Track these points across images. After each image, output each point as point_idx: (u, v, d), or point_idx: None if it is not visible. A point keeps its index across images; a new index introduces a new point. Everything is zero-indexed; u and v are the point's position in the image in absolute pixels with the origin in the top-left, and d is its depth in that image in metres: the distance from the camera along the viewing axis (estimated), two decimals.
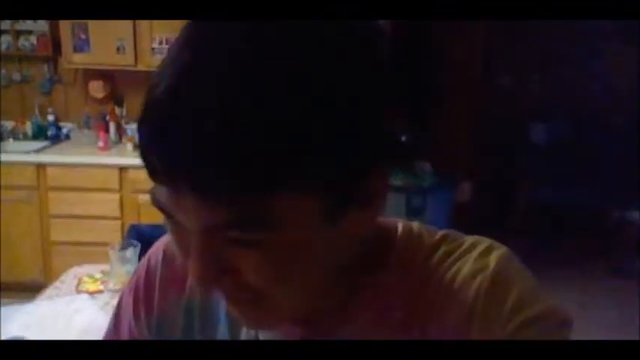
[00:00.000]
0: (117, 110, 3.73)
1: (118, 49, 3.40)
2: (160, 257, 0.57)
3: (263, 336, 0.52)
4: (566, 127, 4.76)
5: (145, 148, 0.37)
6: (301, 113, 0.36)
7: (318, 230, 0.40)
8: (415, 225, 0.51)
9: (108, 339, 0.61)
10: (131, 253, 1.80)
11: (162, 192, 0.38)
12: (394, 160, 0.43)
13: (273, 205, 0.36)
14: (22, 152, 3.40)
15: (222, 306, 0.53)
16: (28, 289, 2.34)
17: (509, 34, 4.26)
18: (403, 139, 3.91)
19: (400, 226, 0.51)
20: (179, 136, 0.35)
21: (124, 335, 0.58)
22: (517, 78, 4.79)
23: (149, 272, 0.57)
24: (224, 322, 0.53)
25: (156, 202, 0.40)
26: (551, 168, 4.63)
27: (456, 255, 0.48)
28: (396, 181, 3.65)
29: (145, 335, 0.57)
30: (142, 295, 0.57)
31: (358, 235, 0.44)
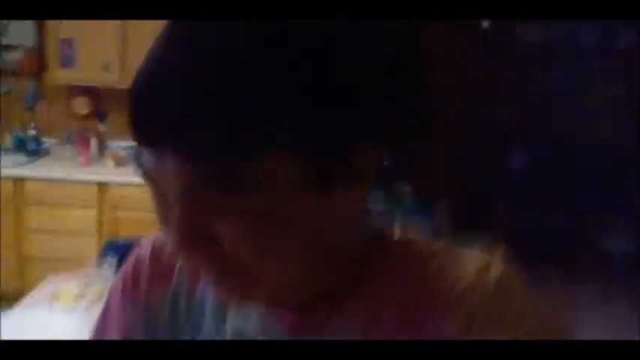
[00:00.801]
0: (100, 126, 3.73)
1: (104, 66, 3.42)
2: (150, 249, 0.57)
3: (251, 321, 0.51)
4: (543, 153, 4.84)
5: (131, 114, 0.39)
6: (282, 79, 0.36)
7: (300, 202, 0.39)
8: (412, 232, 0.51)
9: (96, 330, 0.61)
10: (107, 267, 1.81)
11: (147, 157, 0.39)
12: (384, 140, 0.43)
13: (252, 167, 0.37)
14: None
15: (208, 293, 0.53)
16: (4, 299, 2.32)
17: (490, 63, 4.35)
18: (384, 163, 3.95)
19: (397, 231, 0.51)
20: (159, 100, 0.37)
21: (113, 326, 0.59)
22: (496, 105, 4.88)
23: (137, 262, 0.58)
24: (211, 305, 0.53)
25: (141, 168, 0.40)
26: (530, 191, 4.69)
27: (454, 267, 0.46)
28: (376, 202, 3.68)
29: (132, 324, 0.57)
30: (129, 285, 0.57)
31: (345, 217, 0.44)
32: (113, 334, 0.59)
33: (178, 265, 0.55)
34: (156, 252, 0.57)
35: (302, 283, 0.46)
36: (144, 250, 0.58)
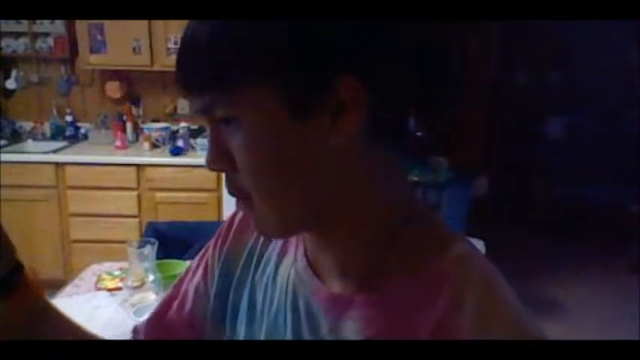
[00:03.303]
0: (133, 110, 3.77)
1: (134, 49, 3.43)
2: None
3: (293, 275, 0.57)
4: (584, 122, 4.69)
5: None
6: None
7: (285, 126, 0.45)
8: (477, 255, 0.49)
9: (194, 263, 0.70)
10: (149, 250, 1.82)
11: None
12: (364, 73, 0.44)
13: (239, 90, 0.45)
14: (40, 152, 3.45)
15: (275, 249, 0.62)
16: (48, 287, 2.38)
17: (525, 31, 4.21)
18: (418, 134, 3.89)
19: (435, 214, 0.53)
20: (181, 58, 0.49)
21: (202, 261, 0.68)
22: (533, 74, 4.74)
23: (234, 216, 0.67)
24: (274, 260, 0.61)
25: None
26: (569, 163, 4.58)
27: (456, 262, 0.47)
28: (412, 176, 3.64)
29: (214, 264, 0.66)
30: (223, 232, 0.67)
31: (337, 156, 0.47)
32: (189, 281, 0.68)
33: None
34: None
35: (304, 220, 0.51)
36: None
